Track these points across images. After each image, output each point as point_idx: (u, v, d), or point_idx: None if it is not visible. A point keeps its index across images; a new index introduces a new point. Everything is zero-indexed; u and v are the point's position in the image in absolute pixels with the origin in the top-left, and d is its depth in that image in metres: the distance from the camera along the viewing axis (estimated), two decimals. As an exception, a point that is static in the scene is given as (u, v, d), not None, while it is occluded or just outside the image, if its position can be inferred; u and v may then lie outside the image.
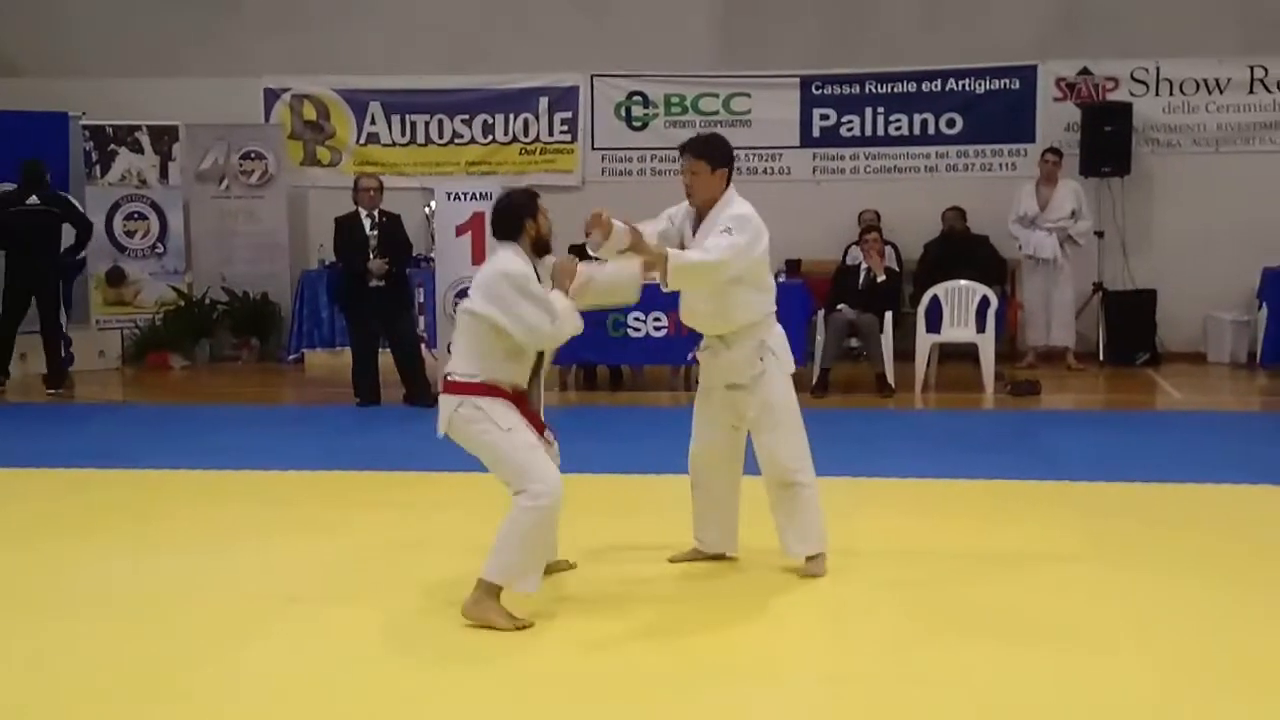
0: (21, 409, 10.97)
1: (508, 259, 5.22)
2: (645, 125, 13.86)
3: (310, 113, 14.14)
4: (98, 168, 13.37)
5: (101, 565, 6.00)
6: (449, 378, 5.23)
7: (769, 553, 5.75)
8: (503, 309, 5.11)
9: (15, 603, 5.46)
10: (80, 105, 13.37)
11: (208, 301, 13.47)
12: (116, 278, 13.41)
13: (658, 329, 10.88)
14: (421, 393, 10.55)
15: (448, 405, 5.19)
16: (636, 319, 10.86)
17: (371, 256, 10.50)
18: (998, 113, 13.32)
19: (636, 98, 13.84)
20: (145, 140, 13.56)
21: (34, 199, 11.53)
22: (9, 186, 11.88)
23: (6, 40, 14.09)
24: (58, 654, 4.82)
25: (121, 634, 5.04)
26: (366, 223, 10.60)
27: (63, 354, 11.73)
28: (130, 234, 13.40)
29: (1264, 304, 12.20)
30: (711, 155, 5.50)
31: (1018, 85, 13.29)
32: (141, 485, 7.78)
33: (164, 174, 13.64)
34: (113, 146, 13.41)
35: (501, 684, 4.51)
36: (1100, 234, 12.70)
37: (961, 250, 12.29)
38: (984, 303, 11.17)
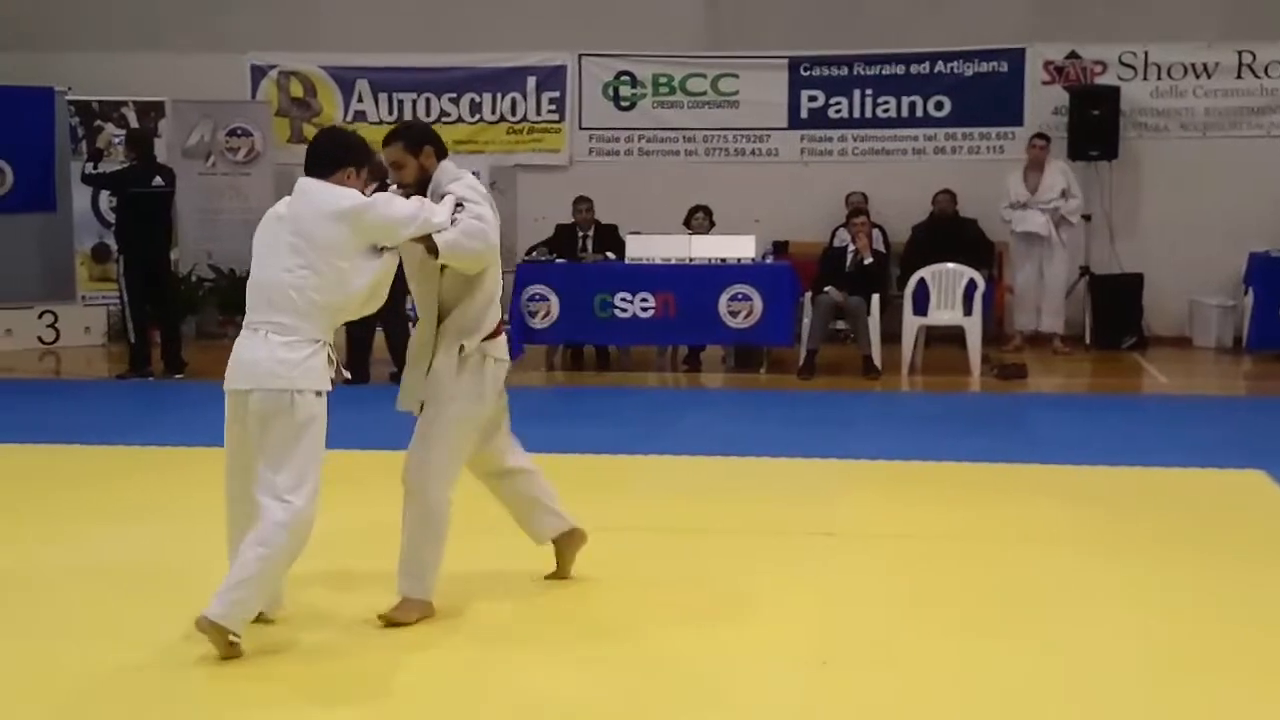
0: (9, 385, 10.92)
1: None
2: (633, 105, 13.82)
3: (297, 90, 14.07)
4: (84, 144, 13.28)
5: (80, 540, 5.99)
6: None
7: (761, 532, 5.76)
8: None
9: None
10: (66, 80, 13.28)
11: (194, 278, 13.42)
12: (102, 254, 13.32)
13: (645, 310, 10.86)
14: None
15: None
16: (624, 299, 10.84)
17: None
18: (985, 95, 13.30)
19: (624, 78, 13.80)
20: (131, 116, 13.47)
21: (159, 180, 10.89)
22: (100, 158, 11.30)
23: (-8, 14, 14.01)
24: None
25: (81, 604, 5.03)
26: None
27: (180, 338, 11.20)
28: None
29: (1250, 289, 12.22)
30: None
31: (1005, 68, 13.28)
32: (122, 460, 7.75)
33: (150, 150, 13.55)
34: (99, 122, 13.32)
35: (439, 666, 4.52)
36: (1088, 217, 12.71)
37: (949, 233, 12.28)
38: (971, 286, 11.18)
